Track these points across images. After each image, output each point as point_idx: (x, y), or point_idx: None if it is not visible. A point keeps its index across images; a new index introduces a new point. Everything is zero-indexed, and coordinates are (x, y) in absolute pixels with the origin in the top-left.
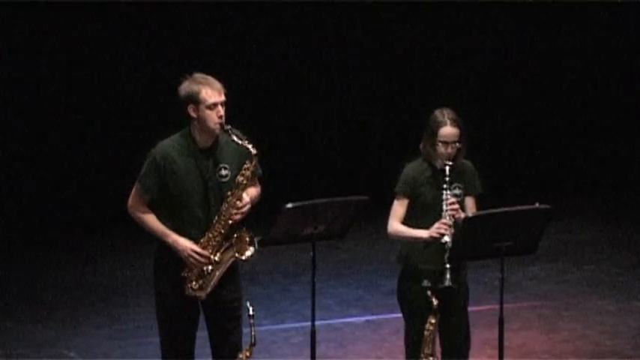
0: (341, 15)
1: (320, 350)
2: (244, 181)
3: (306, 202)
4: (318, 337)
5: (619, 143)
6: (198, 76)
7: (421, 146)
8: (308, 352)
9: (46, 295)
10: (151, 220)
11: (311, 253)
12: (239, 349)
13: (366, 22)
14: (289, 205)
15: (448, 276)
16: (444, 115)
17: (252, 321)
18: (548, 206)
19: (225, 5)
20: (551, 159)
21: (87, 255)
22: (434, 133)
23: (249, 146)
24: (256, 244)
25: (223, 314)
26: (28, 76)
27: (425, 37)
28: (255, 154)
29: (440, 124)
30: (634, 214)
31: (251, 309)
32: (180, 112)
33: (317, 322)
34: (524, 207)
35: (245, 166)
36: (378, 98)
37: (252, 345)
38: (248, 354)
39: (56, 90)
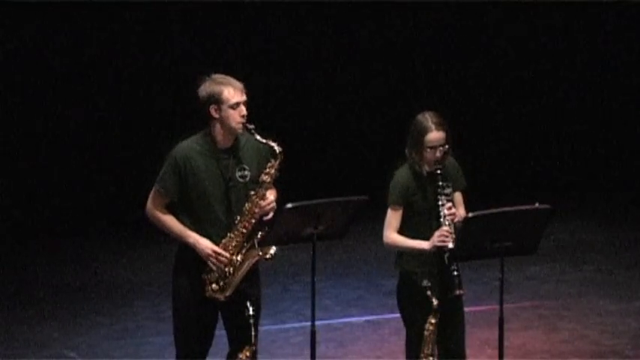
0: (343, 15)
1: (320, 350)
2: (268, 180)
3: (306, 202)
4: (318, 337)
5: (619, 143)
6: (218, 76)
7: (407, 152)
8: (308, 352)
9: (46, 295)
10: (171, 221)
11: (311, 253)
12: (256, 350)
13: (368, 22)
14: (289, 205)
15: (457, 281)
16: (427, 119)
17: (252, 321)
18: (548, 206)
19: (227, 5)
20: (552, 159)
21: (87, 255)
22: (420, 140)
23: (274, 144)
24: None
25: (240, 315)
26: (31, 77)
27: (426, 37)
28: (280, 152)
29: (426, 130)
30: (634, 214)
31: (251, 309)
32: (183, 114)
33: (317, 322)
34: (524, 207)
35: (269, 164)
36: (378, 98)
37: (252, 345)
38: (248, 354)
39: (61, 90)
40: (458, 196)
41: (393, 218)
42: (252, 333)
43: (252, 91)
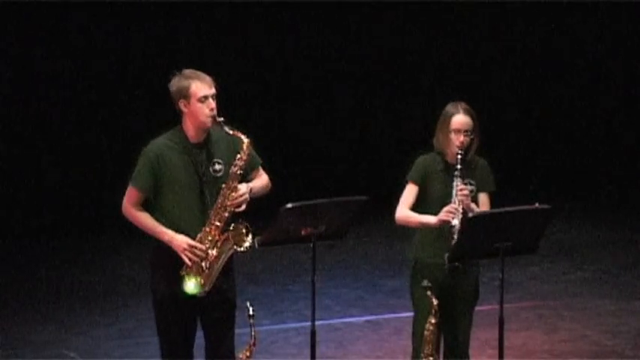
0: (346, 12)
1: (320, 350)
2: (238, 171)
3: (306, 202)
4: (318, 337)
5: (619, 143)
6: (187, 71)
7: (434, 140)
8: (308, 352)
9: (46, 295)
10: (147, 219)
11: (311, 253)
12: (232, 350)
13: (371, 21)
14: (289, 205)
15: (447, 254)
16: (457, 105)
17: (252, 321)
18: (548, 206)
19: (224, 5)
20: (552, 159)
21: (86, 255)
22: (447, 123)
23: (242, 135)
24: (253, 235)
25: (217, 314)
26: (25, 77)
27: (427, 38)
28: (248, 143)
29: (453, 114)
30: (634, 214)
31: (251, 309)
32: (172, 111)
33: (317, 322)
34: (524, 207)
35: (238, 156)
36: (379, 98)
37: (252, 345)
38: (248, 354)
39: (57, 90)
40: (483, 198)
41: (408, 194)
42: (253, 332)
43: (253, 88)
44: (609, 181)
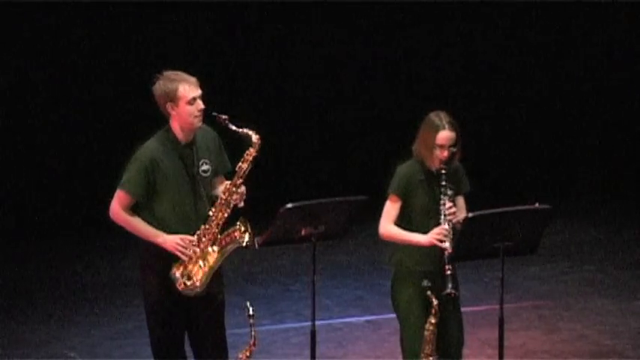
0: (342, 12)
1: (320, 350)
2: (247, 167)
3: (306, 202)
4: (318, 337)
5: (619, 143)
6: (170, 73)
7: (414, 148)
8: (308, 352)
9: (46, 295)
10: (140, 223)
11: (311, 254)
12: (224, 349)
13: (366, 21)
14: (289, 205)
15: (450, 284)
16: (440, 118)
17: (252, 321)
18: (548, 206)
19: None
20: (552, 159)
21: (86, 255)
22: (431, 137)
23: (251, 133)
24: (252, 228)
25: (206, 313)
26: (24, 78)
27: (421, 37)
28: (258, 138)
29: (437, 128)
30: (634, 214)
31: (251, 309)
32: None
33: (317, 322)
34: (524, 207)
35: (247, 152)
36: (376, 97)
37: (252, 345)
38: (248, 354)
39: (56, 91)
40: (461, 200)
41: (391, 209)
42: (253, 332)
43: (252, 88)
44: (609, 181)
